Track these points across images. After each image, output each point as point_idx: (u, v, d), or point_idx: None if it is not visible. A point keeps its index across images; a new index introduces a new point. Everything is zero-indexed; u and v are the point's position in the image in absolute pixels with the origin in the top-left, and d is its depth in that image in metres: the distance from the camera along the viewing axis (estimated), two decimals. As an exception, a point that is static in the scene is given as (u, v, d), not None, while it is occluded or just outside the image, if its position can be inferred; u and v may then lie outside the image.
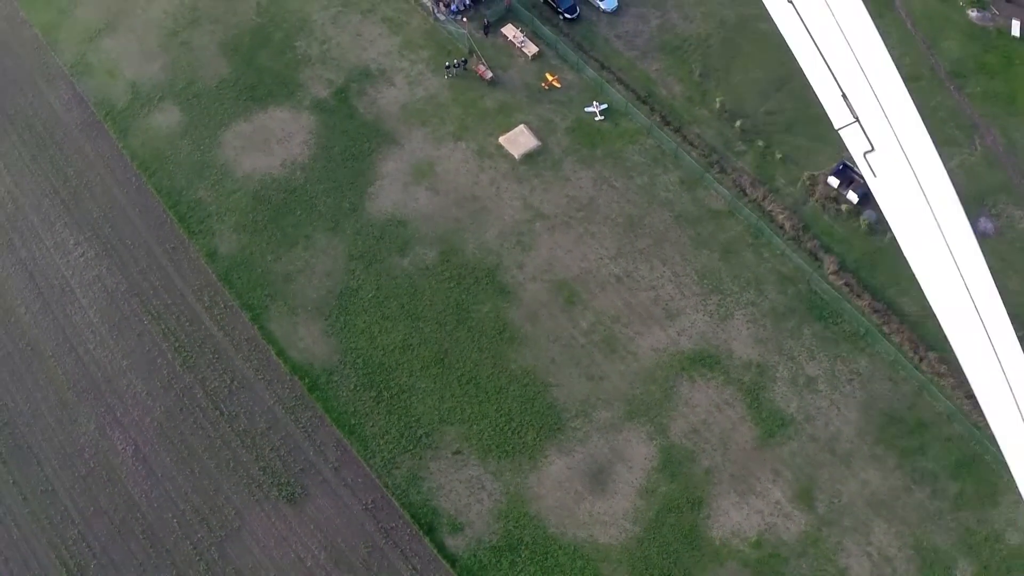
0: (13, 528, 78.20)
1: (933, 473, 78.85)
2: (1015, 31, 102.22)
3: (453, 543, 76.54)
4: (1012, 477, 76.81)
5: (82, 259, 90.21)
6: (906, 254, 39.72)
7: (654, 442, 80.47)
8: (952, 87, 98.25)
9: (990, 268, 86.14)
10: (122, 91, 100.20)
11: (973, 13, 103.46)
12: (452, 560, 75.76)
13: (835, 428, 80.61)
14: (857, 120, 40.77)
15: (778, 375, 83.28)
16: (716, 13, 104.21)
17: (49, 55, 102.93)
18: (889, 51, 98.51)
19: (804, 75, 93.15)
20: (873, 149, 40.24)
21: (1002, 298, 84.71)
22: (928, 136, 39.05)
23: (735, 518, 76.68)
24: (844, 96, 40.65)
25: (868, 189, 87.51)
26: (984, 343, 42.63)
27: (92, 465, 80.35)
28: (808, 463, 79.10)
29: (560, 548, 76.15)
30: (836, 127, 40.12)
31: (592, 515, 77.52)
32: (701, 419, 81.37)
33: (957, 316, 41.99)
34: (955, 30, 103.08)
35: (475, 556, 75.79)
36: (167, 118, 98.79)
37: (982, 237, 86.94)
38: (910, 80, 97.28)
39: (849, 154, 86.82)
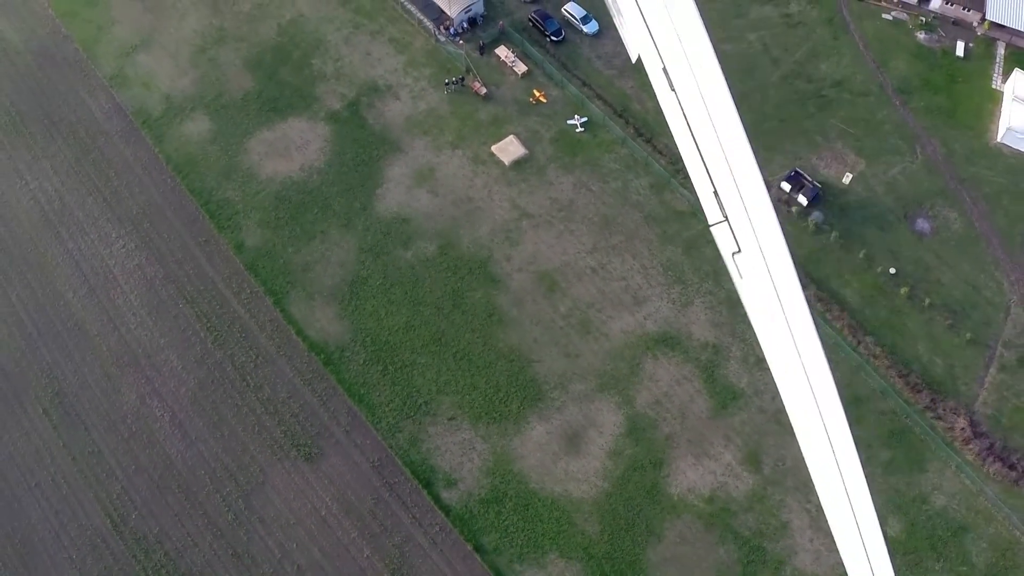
0: (63, 485, 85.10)
1: (867, 442, 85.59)
2: (959, 51, 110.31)
3: (448, 496, 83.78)
4: (939, 447, 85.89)
5: (123, 250, 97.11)
6: (764, 350, 39.92)
7: (622, 411, 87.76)
8: (898, 102, 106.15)
9: (928, 266, 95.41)
10: (157, 102, 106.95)
11: (921, 35, 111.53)
12: (447, 510, 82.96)
13: (780, 401, 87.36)
14: (726, 219, 38.84)
15: (731, 355, 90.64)
16: None
17: (89, 68, 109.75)
18: (842, 70, 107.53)
19: (762, 93, 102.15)
20: (740, 251, 38.44)
21: (936, 289, 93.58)
22: (784, 245, 38.65)
23: (691, 477, 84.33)
24: (716, 194, 38.90)
25: (817, 192, 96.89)
26: (823, 443, 42.66)
27: (134, 429, 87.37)
28: (756, 431, 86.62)
29: (540, 501, 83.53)
30: (709, 223, 39.11)
31: (567, 473, 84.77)
32: (663, 392, 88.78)
33: (798, 409, 41.73)
34: (904, 51, 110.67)
35: (467, 507, 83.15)
36: (198, 126, 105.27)
37: (920, 237, 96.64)
38: (860, 96, 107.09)
39: (800, 162, 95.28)
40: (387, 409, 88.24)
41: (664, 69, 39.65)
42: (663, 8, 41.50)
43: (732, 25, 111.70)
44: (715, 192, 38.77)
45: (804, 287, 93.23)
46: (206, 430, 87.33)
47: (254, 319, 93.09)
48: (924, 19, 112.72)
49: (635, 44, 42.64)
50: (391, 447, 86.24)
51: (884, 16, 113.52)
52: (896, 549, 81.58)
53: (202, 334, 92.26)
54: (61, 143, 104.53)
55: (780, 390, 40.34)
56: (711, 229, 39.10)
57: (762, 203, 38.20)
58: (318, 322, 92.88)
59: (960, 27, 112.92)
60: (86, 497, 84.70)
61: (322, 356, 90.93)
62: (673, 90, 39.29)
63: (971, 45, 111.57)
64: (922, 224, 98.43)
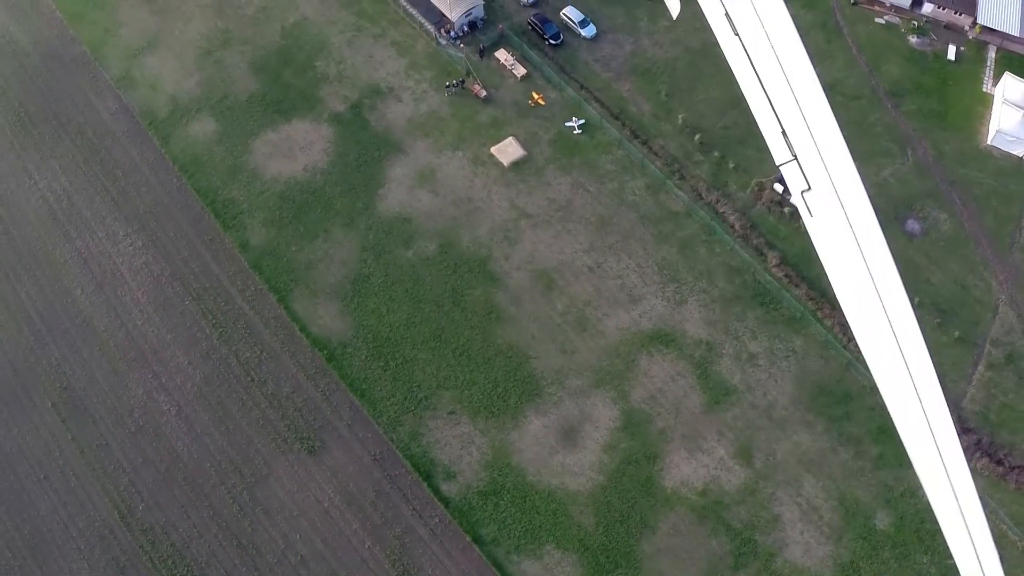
0: (72, 477, 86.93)
1: (857, 437, 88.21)
2: (951, 55, 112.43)
3: (447, 488, 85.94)
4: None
5: (131, 248, 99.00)
6: (839, 297, 38.93)
7: (617, 406, 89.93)
8: (890, 105, 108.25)
9: (917, 266, 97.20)
10: (163, 103, 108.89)
11: (913, 39, 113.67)
12: (446, 502, 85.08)
13: (772, 397, 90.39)
14: (796, 158, 38.77)
15: (724, 351, 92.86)
16: (682, 40, 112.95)
17: (97, 70, 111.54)
18: (835, 74, 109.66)
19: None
20: (810, 188, 38.36)
21: (925, 289, 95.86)
22: (860, 179, 38.12)
23: (685, 471, 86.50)
24: (784, 134, 38.66)
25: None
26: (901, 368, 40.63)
27: (141, 423, 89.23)
28: (748, 426, 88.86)
29: (537, 493, 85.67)
30: (777, 163, 38.80)
31: (564, 466, 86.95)
32: (657, 387, 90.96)
33: (875, 345, 40.00)
34: (896, 54, 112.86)
35: (466, 499, 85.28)
36: (204, 127, 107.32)
37: (910, 237, 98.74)
38: (852, 99, 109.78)
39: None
40: (388, 404, 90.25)
41: (727, 15, 39.90)
42: None
43: None
44: (783, 132, 38.84)
45: (795, 285, 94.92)
46: (212, 424, 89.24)
47: (258, 316, 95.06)
48: (916, 23, 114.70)
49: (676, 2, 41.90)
50: (392, 440, 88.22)
51: (877, 20, 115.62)
52: (885, 543, 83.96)
53: (208, 330, 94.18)
54: (69, 143, 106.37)
55: (856, 334, 39.30)
56: (779, 169, 39.20)
57: (834, 140, 38.41)
58: (321, 319, 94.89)
59: (952, 31, 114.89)
60: (94, 489, 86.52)
61: (325, 352, 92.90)
62: (736, 35, 39.54)
63: (962, 49, 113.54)
64: (912, 225, 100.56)
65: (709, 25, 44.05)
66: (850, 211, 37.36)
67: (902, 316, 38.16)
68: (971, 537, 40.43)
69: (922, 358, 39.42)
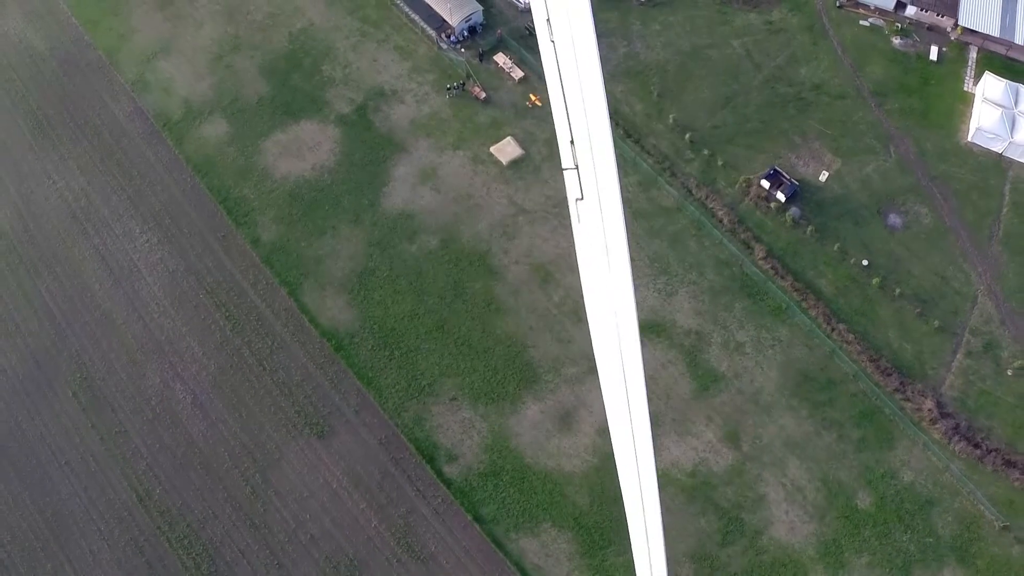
0: (91, 462, 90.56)
1: (839, 422, 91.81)
2: (933, 56, 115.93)
3: (449, 470, 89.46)
4: (907, 427, 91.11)
5: (147, 245, 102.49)
6: (585, 295, 40.92)
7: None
8: (874, 104, 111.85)
9: (899, 258, 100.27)
10: (177, 106, 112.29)
11: (897, 40, 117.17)
12: (448, 483, 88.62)
13: (759, 384, 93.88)
14: (577, 168, 40.05)
15: (713, 340, 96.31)
16: (674, 43, 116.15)
17: (113, 74, 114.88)
18: (821, 74, 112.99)
19: (744, 96, 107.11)
20: (583, 198, 40.02)
21: (907, 280, 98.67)
22: (622, 202, 40.13)
23: (675, 453, 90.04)
24: (572, 143, 39.69)
25: (795, 189, 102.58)
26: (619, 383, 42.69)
27: (158, 411, 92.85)
28: (735, 411, 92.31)
29: (534, 474, 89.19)
30: (563, 167, 40.30)
31: (560, 449, 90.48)
32: (649, 374, 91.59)
33: (605, 359, 41.90)
34: (880, 55, 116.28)
35: (467, 480, 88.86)
36: (216, 129, 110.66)
37: (892, 231, 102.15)
38: (837, 98, 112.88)
39: (779, 161, 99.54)
40: (393, 391, 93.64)
41: (548, 20, 40.50)
42: None
43: (717, 32, 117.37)
44: (571, 141, 40.03)
45: (781, 277, 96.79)
46: (225, 411, 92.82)
47: (270, 308, 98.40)
48: (900, 25, 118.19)
49: None
50: (397, 425, 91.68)
51: (862, 23, 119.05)
52: (866, 521, 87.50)
53: (221, 322, 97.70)
54: (86, 144, 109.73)
55: (593, 339, 41.40)
56: (564, 173, 40.89)
57: (608, 158, 39.77)
58: (329, 311, 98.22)
59: (934, 32, 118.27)
60: (113, 474, 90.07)
61: (333, 342, 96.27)
62: (552, 41, 40.24)
63: (944, 49, 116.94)
64: (894, 219, 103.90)
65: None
66: (608, 228, 39.66)
67: (629, 331, 40.63)
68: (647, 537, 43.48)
69: (638, 373, 42.02)
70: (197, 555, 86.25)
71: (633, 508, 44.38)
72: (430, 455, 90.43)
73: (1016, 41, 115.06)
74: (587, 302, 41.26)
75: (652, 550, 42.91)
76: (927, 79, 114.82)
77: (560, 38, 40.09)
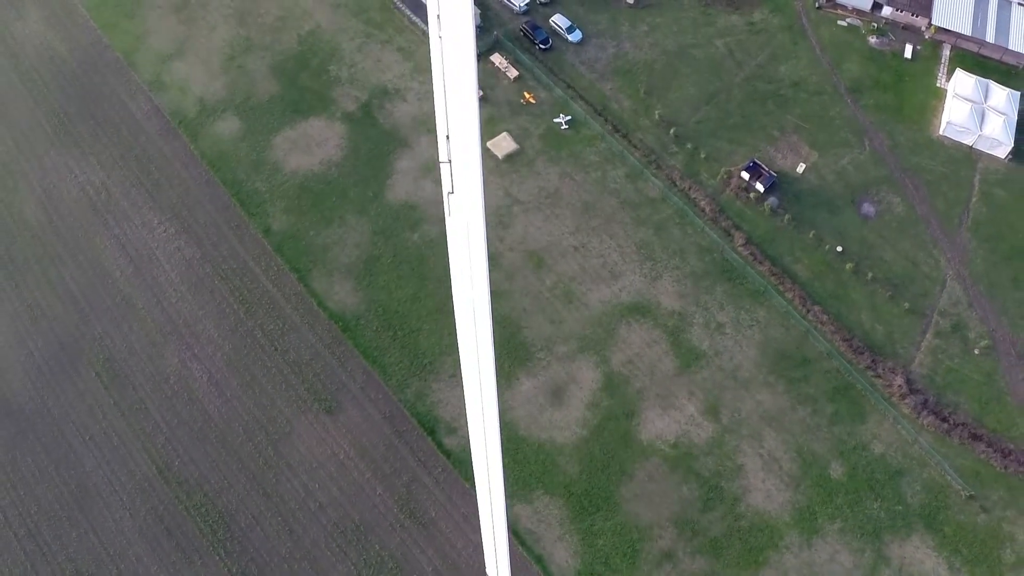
0: (114, 437, 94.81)
1: (814, 397, 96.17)
2: (908, 54, 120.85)
3: (449, 442, 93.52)
4: (878, 402, 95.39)
5: (164, 234, 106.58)
6: (452, 282, 42.33)
7: (599, 369, 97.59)
8: (850, 100, 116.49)
9: (872, 244, 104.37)
10: (191, 104, 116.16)
11: (873, 39, 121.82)
12: (448, 454, 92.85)
13: (738, 361, 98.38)
14: (450, 162, 40.42)
15: (695, 321, 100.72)
16: (660, 43, 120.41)
17: (130, 74, 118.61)
18: (799, 72, 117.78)
19: (727, 93, 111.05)
20: (453, 191, 40.64)
21: (879, 265, 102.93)
22: (482, 199, 40.72)
23: (659, 426, 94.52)
24: (448, 137, 39.88)
25: (773, 181, 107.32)
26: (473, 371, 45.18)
27: (176, 389, 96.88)
28: (716, 387, 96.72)
29: (528, 446, 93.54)
30: (439, 160, 40.52)
31: (552, 422, 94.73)
32: (635, 352, 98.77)
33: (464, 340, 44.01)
34: (856, 54, 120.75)
35: (465, 451, 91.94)
36: (229, 126, 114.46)
37: (865, 219, 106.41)
38: (815, 95, 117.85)
39: (759, 154, 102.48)
40: (397, 369, 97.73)
41: (438, 16, 40.11)
42: None
43: (702, 32, 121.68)
44: (447, 136, 40.55)
45: (759, 262, 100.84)
46: (239, 388, 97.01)
47: (281, 293, 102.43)
48: (876, 25, 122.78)
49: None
50: (400, 401, 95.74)
51: (839, 23, 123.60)
52: (839, 490, 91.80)
53: (235, 306, 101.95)
54: (106, 141, 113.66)
55: (457, 326, 43.74)
56: (440, 165, 41.54)
57: (473, 155, 40.65)
58: (337, 295, 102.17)
59: (909, 31, 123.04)
60: (134, 447, 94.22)
61: (340, 324, 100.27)
62: (441, 38, 40.02)
63: (919, 48, 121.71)
64: (867, 208, 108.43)
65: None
66: (470, 221, 41.06)
67: (483, 323, 42.97)
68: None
69: (488, 362, 44.22)
70: (213, 522, 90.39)
71: (482, 496, 47.06)
72: (431, 428, 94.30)
73: (987, 39, 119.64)
74: (454, 291, 42.97)
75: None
76: (901, 76, 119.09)
77: (447, 34, 39.84)
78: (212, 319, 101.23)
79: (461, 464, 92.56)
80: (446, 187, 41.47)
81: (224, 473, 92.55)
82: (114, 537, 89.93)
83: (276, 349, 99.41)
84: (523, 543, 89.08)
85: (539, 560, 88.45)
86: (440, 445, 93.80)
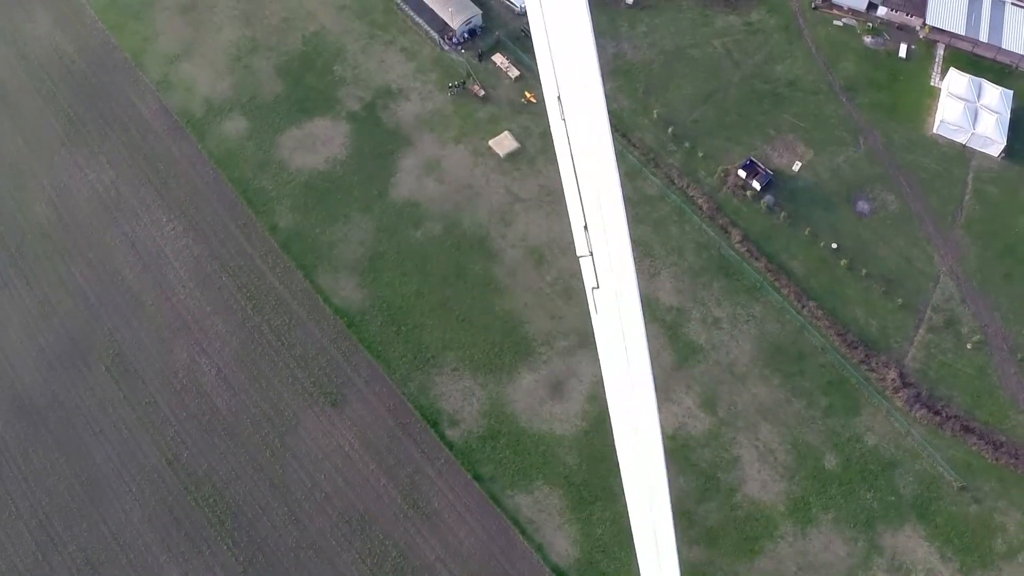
0: (124, 430, 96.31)
1: (808, 390, 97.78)
2: (902, 53, 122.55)
3: (451, 434, 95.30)
4: (871, 395, 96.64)
5: (173, 232, 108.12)
6: (605, 383, 37.01)
7: (598, 363, 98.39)
8: (845, 98, 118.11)
9: (866, 241, 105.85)
10: (199, 104, 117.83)
11: (868, 39, 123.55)
12: (450, 446, 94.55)
13: (734, 356, 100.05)
14: (591, 255, 36.98)
15: (692, 316, 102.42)
16: (658, 44, 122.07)
17: (138, 74, 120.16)
18: (795, 71, 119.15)
19: (724, 92, 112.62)
20: (599, 287, 36.95)
21: (873, 261, 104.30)
22: (638, 292, 36.33)
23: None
24: (586, 229, 36.64)
25: (769, 179, 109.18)
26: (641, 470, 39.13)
27: (185, 383, 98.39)
28: (712, 380, 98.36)
29: (528, 437, 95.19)
30: (577, 254, 36.57)
31: (552, 414, 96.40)
32: None
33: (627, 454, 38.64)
34: (852, 53, 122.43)
35: (467, 443, 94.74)
36: (235, 125, 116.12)
37: (860, 216, 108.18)
38: (810, 94, 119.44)
39: (755, 152, 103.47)
40: (400, 363, 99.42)
41: (559, 98, 37.71)
42: (563, 36, 40.59)
43: (700, 33, 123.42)
44: (585, 227, 37.42)
45: (756, 259, 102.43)
46: (247, 382, 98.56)
47: (287, 289, 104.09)
48: (871, 24, 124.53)
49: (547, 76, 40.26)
50: (404, 394, 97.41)
51: (835, 23, 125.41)
52: (833, 481, 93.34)
53: (243, 302, 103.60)
54: (115, 140, 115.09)
55: (614, 427, 38.93)
56: (579, 260, 37.55)
57: (623, 246, 36.69)
58: (342, 291, 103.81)
59: (904, 31, 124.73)
60: (144, 440, 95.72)
61: (345, 319, 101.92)
62: (563, 119, 37.60)
63: (913, 47, 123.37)
64: (862, 205, 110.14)
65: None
66: (624, 319, 36.52)
67: (653, 445, 38.12)
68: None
69: (664, 499, 39.05)
70: (222, 512, 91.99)
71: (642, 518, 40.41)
72: (434, 420, 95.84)
73: (980, 39, 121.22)
74: (609, 399, 38.25)
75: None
76: (896, 75, 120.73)
77: (572, 119, 36.88)
78: (220, 315, 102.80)
79: (463, 455, 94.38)
80: (589, 282, 37.56)
81: (232, 465, 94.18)
82: (124, 527, 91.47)
83: (283, 344, 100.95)
84: (523, 532, 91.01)
85: (539, 548, 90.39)
86: (443, 437, 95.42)
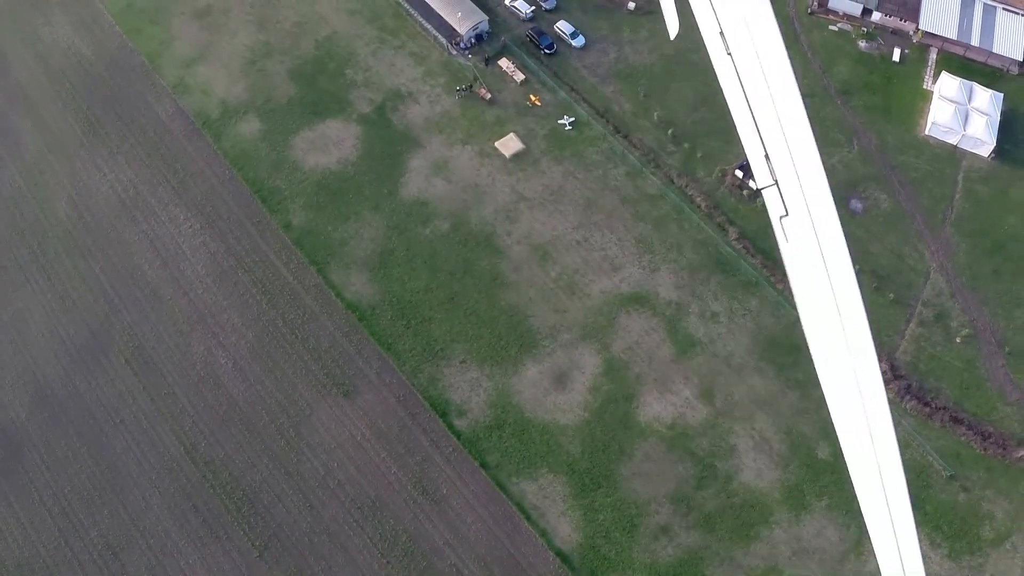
0: (143, 420, 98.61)
1: (803, 382, 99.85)
2: (896, 57, 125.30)
3: (459, 423, 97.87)
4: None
5: (190, 230, 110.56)
6: (802, 321, 32.66)
7: (600, 355, 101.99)
8: (839, 101, 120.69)
9: (859, 239, 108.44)
10: (214, 106, 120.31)
11: (862, 43, 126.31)
12: (458, 434, 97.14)
13: (731, 348, 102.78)
14: (776, 184, 34.22)
15: (691, 310, 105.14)
16: (659, 48, 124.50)
17: (155, 77, 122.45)
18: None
19: (723, 94, 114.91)
20: (788, 214, 33.54)
21: (865, 258, 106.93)
22: (834, 206, 32.08)
23: (656, 408, 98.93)
24: (767, 158, 33.94)
25: None
26: (859, 415, 35.02)
27: (202, 374, 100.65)
28: (710, 372, 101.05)
29: (533, 427, 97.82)
30: (758, 187, 33.43)
31: (556, 405, 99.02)
32: (634, 340, 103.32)
33: (836, 386, 34.59)
34: (847, 57, 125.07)
35: (474, 432, 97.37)
36: (250, 127, 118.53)
37: (853, 214, 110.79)
38: (806, 97, 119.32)
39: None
40: (410, 355, 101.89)
41: (721, 33, 35.15)
42: None
43: (699, 38, 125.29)
44: (766, 156, 35.12)
45: (752, 255, 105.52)
46: (262, 374, 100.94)
47: (301, 284, 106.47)
48: (866, 29, 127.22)
49: (675, 21, 35.87)
50: (413, 385, 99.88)
51: (830, 27, 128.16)
52: (825, 469, 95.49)
53: (258, 297, 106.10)
54: (133, 141, 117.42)
55: (815, 361, 34.58)
56: (761, 192, 34.99)
57: (814, 169, 33.77)
58: (353, 286, 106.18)
59: (898, 36, 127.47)
60: (163, 430, 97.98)
61: (357, 313, 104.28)
62: (729, 54, 35.14)
63: (906, 51, 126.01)
64: (855, 204, 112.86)
65: (704, 43, 40.74)
66: (823, 241, 33.20)
67: (864, 351, 33.63)
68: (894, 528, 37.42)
69: (881, 404, 35.15)
70: (238, 499, 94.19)
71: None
72: (442, 410, 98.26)
73: (972, 43, 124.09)
74: (807, 330, 34.16)
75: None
76: (890, 78, 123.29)
77: (739, 51, 34.11)
78: (236, 309, 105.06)
79: (470, 444, 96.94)
80: (776, 211, 34.61)
81: (248, 453, 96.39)
82: (143, 514, 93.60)
83: (297, 337, 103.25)
84: (528, 517, 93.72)
85: (543, 534, 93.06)
86: (451, 426, 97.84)
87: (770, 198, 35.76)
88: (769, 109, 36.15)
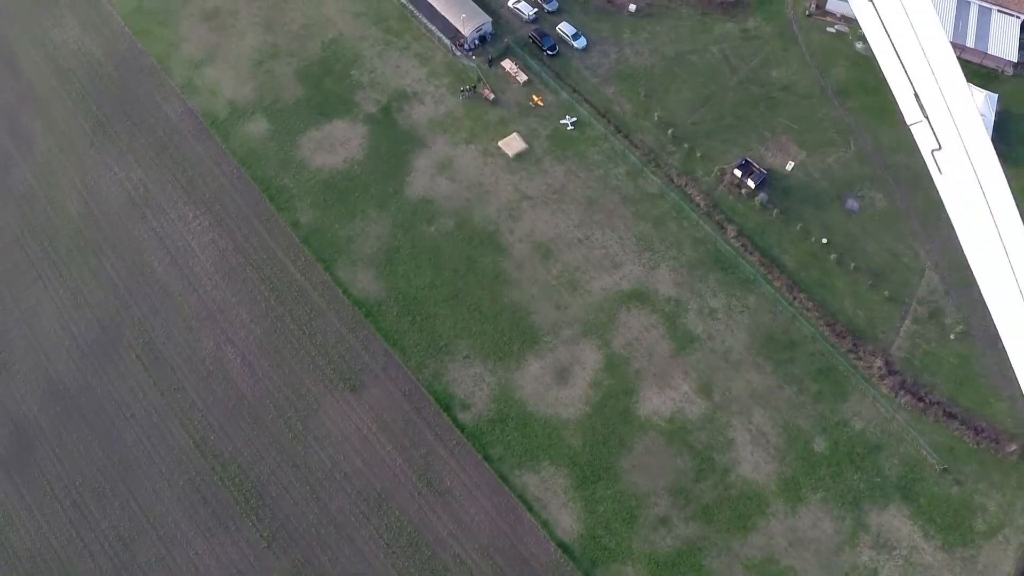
0: (154, 414, 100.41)
1: (799, 377, 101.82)
2: None
3: (463, 417, 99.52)
4: (859, 382, 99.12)
5: (199, 227, 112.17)
6: (965, 249, 33.13)
7: (601, 351, 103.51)
8: (837, 102, 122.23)
9: (855, 236, 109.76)
10: (222, 107, 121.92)
11: (859, 45, 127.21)
12: (462, 428, 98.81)
13: (729, 344, 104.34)
14: (927, 119, 34.75)
15: (690, 307, 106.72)
16: (659, 50, 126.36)
17: (164, 78, 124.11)
18: (790, 76, 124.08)
19: (721, 96, 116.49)
20: (940, 147, 34.19)
21: (861, 256, 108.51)
22: (989, 140, 32.04)
23: (656, 403, 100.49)
24: (916, 96, 34.30)
25: (764, 177, 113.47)
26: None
27: (211, 370, 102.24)
28: (708, 367, 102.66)
29: (535, 421, 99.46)
30: (908, 122, 33.83)
31: (557, 399, 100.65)
32: (634, 336, 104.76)
33: (1004, 305, 34.42)
34: (844, 59, 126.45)
35: (478, 426, 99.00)
36: (258, 127, 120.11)
37: (849, 213, 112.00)
38: (804, 98, 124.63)
39: (751, 153, 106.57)
40: (415, 350, 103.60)
41: None
42: None
43: (698, 39, 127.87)
44: (915, 94, 34.83)
45: (750, 253, 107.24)
46: (270, 368, 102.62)
47: (308, 281, 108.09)
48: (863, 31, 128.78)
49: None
50: (418, 380, 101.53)
51: (828, 29, 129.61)
52: (821, 463, 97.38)
53: (266, 294, 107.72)
54: (143, 141, 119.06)
55: (984, 293, 33.42)
56: (911, 128, 34.37)
57: (964, 101, 33.34)
58: (360, 283, 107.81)
59: None
60: (173, 424, 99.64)
61: (363, 309, 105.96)
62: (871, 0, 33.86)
63: None
64: (852, 203, 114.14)
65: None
66: (979, 169, 33.17)
67: None
68: None
69: None
70: (247, 491, 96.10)
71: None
72: (446, 404, 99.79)
73: (967, 45, 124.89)
74: (970, 257, 33.55)
75: None
76: (886, 79, 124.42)
77: None
78: (245, 305, 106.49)
79: (474, 437, 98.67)
80: (928, 145, 33.88)
81: (256, 447, 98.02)
82: (154, 506, 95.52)
83: (304, 333, 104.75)
84: (530, 509, 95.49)
85: (545, 524, 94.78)
86: (455, 420, 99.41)
87: (920, 133, 34.88)
88: (915, 49, 35.58)
